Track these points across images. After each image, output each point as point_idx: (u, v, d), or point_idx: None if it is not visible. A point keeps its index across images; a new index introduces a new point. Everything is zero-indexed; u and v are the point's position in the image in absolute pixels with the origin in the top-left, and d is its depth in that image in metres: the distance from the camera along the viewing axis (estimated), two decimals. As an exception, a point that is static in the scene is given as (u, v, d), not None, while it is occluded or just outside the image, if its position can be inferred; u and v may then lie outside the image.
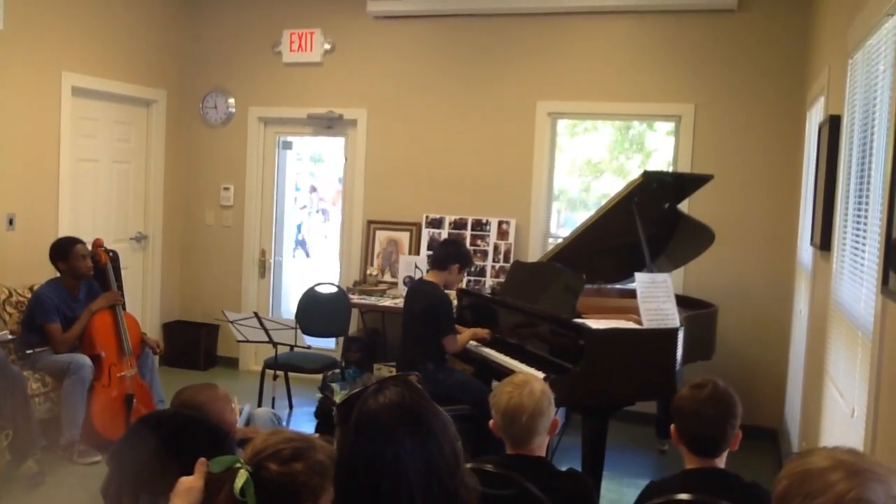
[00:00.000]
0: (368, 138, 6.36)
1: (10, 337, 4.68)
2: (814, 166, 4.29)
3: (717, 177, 4.82)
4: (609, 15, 5.73)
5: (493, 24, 6.00)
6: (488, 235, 5.99)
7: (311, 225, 13.27)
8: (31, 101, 5.35)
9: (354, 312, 5.99)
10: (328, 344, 6.28)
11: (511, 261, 5.67)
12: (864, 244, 2.90)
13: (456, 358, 4.75)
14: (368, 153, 6.37)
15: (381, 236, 6.33)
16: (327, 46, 6.41)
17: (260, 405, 5.24)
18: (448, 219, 6.10)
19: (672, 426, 2.25)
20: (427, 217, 6.15)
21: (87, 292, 4.92)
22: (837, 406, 3.20)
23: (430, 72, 6.18)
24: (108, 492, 2.22)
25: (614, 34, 5.74)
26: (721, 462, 2.21)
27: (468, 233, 6.03)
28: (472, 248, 5.91)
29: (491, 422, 2.42)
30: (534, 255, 5.76)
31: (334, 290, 5.84)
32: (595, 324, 3.99)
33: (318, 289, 5.84)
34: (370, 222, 6.37)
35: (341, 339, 6.03)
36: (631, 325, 4.11)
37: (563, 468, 2.47)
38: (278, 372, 5.26)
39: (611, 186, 6.51)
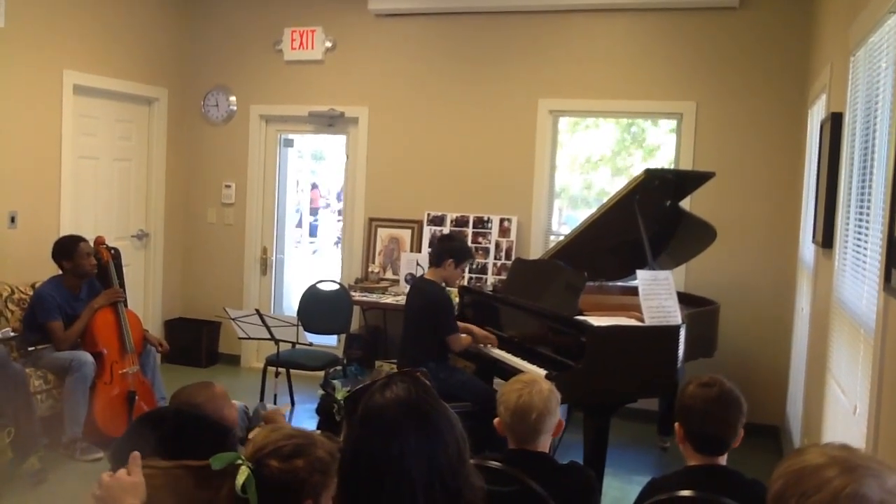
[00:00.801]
0: (370, 136, 6.36)
1: (11, 334, 4.68)
2: (815, 164, 4.29)
3: (719, 174, 4.81)
4: (611, 12, 5.72)
5: (494, 21, 5.99)
6: (490, 233, 5.99)
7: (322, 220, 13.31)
8: (32, 100, 5.35)
9: (356, 310, 5.99)
10: (330, 341, 6.28)
11: (512, 258, 5.67)
12: (866, 241, 2.90)
13: (457, 356, 4.75)
14: (370, 151, 6.37)
15: (383, 234, 6.33)
16: (328, 44, 6.41)
17: (262, 401, 5.24)
18: (449, 216, 6.10)
19: (677, 425, 2.25)
20: (429, 214, 6.14)
21: (88, 290, 4.92)
22: (839, 403, 3.20)
23: (431, 69, 6.18)
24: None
25: (616, 32, 5.74)
26: (723, 459, 2.21)
27: (470, 230, 6.03)
28: (473, 245, 5.91)
29: (496, 420, 2.43)
30: (535, 252, 5.76)
31: (336, 287, 5.84)
32: (597, 321, 3.99)
33: (319, 286, 5.85)
34: (372, 220, 6.37)
35: (343, 336, 6.03)
36: (633, 322, 4.11)
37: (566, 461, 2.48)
38: (280, 369, 5.26)
39: (612, 184, 6.51)
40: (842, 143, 3.60)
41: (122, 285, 5.12)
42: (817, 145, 4.26)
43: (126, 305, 5.02)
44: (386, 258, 6.31)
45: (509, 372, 4.10)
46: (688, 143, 5.60)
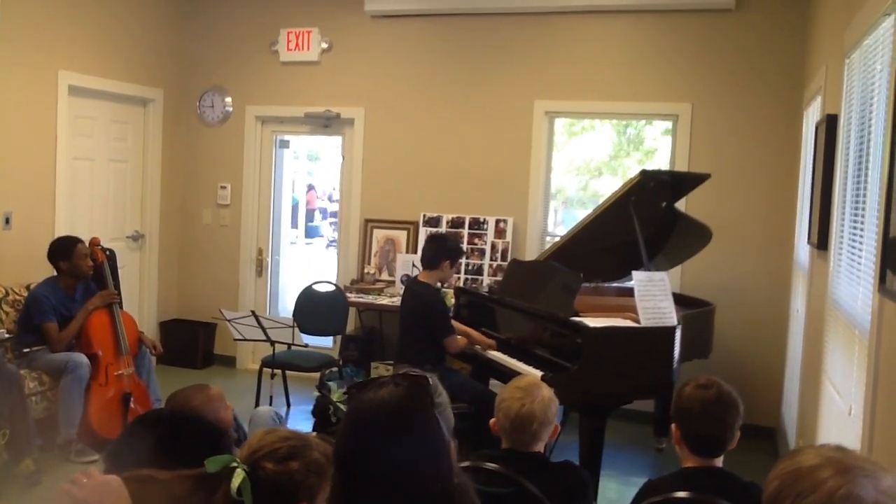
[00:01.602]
0: (366, 137, 6.36)
1: (6, 336, 4.67)
2: (811, 165, 4.30)
3: (715, 176, 4.82)
4: (606, 14, 5.73)
5: (490, 23, 6.00)
6: (486, 234, 5.99)
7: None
8: (27, 100, 5.34)
9: (352, 311, 5.98)
10: (325, 342, 6.28)
11: (508, 259, 5.67)
12: (861, 243, 2.90)
13: (453, 357, 4.75)
14: (366, 152, 6.37)
15: (379, 235, 6.33)
16: (324, 45, 6.41)
17: (257, 403, 5.24)
18: (445, 217, 6.10)
19: (673, 426, 2.25)
20: (424, 216, 6.14)
21: (83, 291, 4.91)
22: (835, 404, 3.21)
23: (427, 71, 6.18)
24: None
25: (612, 33, 5.75)
26: (719, 461, 2.21)
27: (465, 231, 6.03)
28: (469, 246, 5.92)
29: (492, 421, 2.43)
30: (531, 253, 5.77)
31: (332, 288, 5.84)
32: (593, 322, 3.99)
33: (315, 287, 5.84)
34: (367, 221, 6.36)
35: (339, 337, 6.03)
36: (628, 323, 4.12)
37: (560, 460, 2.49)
38: (276, 370, 5.26)
39: (608, 185, 6.52)
40: (837, 145, 3.61)
41: (117, 286, 5.11)
42: (812, 147, 4.27)
43: (121, 307, 5.01)
44: (382, 259, 6.31)
45: (505, 373, 4.10)
46: (683, 144, 5.60)
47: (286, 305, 6.86)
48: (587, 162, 6.57)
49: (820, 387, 3.53)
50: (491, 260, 5.96)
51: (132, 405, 4.71)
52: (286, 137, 6.85)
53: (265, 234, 6.81)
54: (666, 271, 4.55)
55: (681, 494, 2.09)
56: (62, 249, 4.82)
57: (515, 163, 5.96)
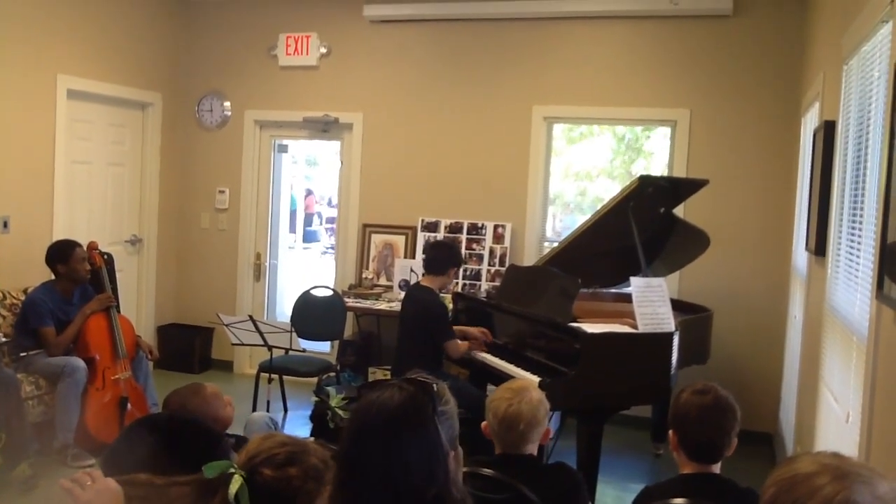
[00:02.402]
0: (364, 142, 6.37)
1: (3, 340, 4.66)
2: (809, 171, 4.30)
3: (713, 181, 4.83)
4: (605, 20, 5.74)
5: (489, 28, 6.01)
6: (484, 239, 6.00)
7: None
8: (26, 104, 5.34)
9: (350, 316, 5.98)
10: (323, 347, 6.26)
11: (506, 265, 5.67)
12: (858, 249, 2.91)
13: (451, 362, 4.75)
14: (364, 157, 6.37)
15: (377, 240, 6.33)
16: (323, 50, 6.41)
17: (255, 409, 5.23)
18: (443, 222, 6.10)
19: (671, 432, 2.24)
20: (423, 221, 6.15)
21: (81, 295, 4.90)
22: (832, 411, 3.21)
23: (425, 76, 6.19)
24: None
25: (610, 39, 5.76)
26: (717, 467, 2.21)
27: (464, 236, 6.03)
28: (467, 251, 5.93)
29: (483, 424, 2.42)
30: (529, 259, 5.77)
31: (329, 293, 5.83)
32: (590, 328, 3.99)
33: (313, 292, 5.84)
34: (366, 226, 6.36)
35: (336, 342, 6.02)
36: (626, 329, 4.11)
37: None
38: (273, 375, 5.25)
39: (606, 191, 6.53)
40: (835, 151, 3.62)
41: (114, 291, 5.10)
42: (810, 153, 4.28)
43: (119, 311, 5.01)
44: (380, 264, 6.31)
45: (503, 378, 4.09)
46: (682, 150, 5.61)
47: (284, 310, 6.85)
48: (587, 170, 6.58)
49: (817, 393, 3.53)
50: (489, 265, 5.96)
51: (129, 409, 4.70)
52: (285, 142, 6.86)
53: (263, 239, 6.80)
54: (664, 277, 4.55)
55: (678, 501, 2.09)
56: (60, 253, 4.81)
57: (514, 168, 5.96)
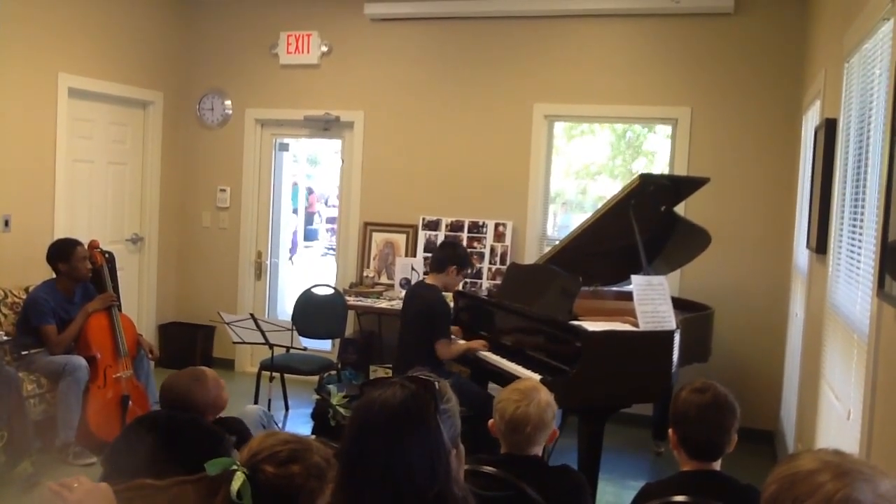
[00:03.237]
0: (365, 140, 6.37)
1: (4, 338, 4.66)
2: (810, 169, 4.30)
3: (714, 180, 4.82)
4: (606, 18, 5.73)
5: (489, 27, 6.00)
6: (485, 237, 6.00)
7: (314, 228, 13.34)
8: (27, 103, 5.34)
9: (351, 314, 5.98)
10: (324, 346, 6.27)
11: (507, 263, 5.67)
12: (860, 247, 2.91)
13: (453, 361, 4.75)
14: (365, 155, 6.38)
15: (378, 238, 6.33)
16: (324, 48, 6.41)
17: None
18: (444, 221, 6.10)
19: (671, 430, 2.25)
20: (423, 219, 6.15)
21: (82, 294, 4.91)
22: (833, 408, 3.21)
23: (426, 74, 6.19)
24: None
25: (611, 37, 5.75)
26: (717, 465, 2.21)
27: (465, 235, 6.03)
28: (468, 250, 5.91)
29: (491, 422, 2.42)
30: (530, 257, 5.77)
31: (331, 291, 5.84)
32: (591, 326, 4.00)
33: (314, 290, 5.84)
34: (367, 224, 6.37)
35: (337, 340, 6.02)
36: (627, 327, 4.12)
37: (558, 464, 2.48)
38: (274, 374, 5.25)
39: (607, 189, 6.52)
40: (836, 149, 3.62)
41: (116, 289, 5.11)
42: (812, 151, 4.27)
43: (120, 309, 5.01)
44: (381, 262, 6.31)
45: (504, 377, 4.10)
46: (682, 148, 5.61)
47: (285, 309, 6.86)
48: (586, 165, 6.57)
49: (818, 391, 3.53)
50: (490, 263, 5.96)
51: (131, 407, 4.71)
52: (286, 140, 6.86)
53: (264, 238, 6.81)
54: (665, 275, 4.55)
55: (679, 498, 2.09)
56: (61, 252, 4.82)
57: (515, 166, 5.96)
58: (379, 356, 6.00)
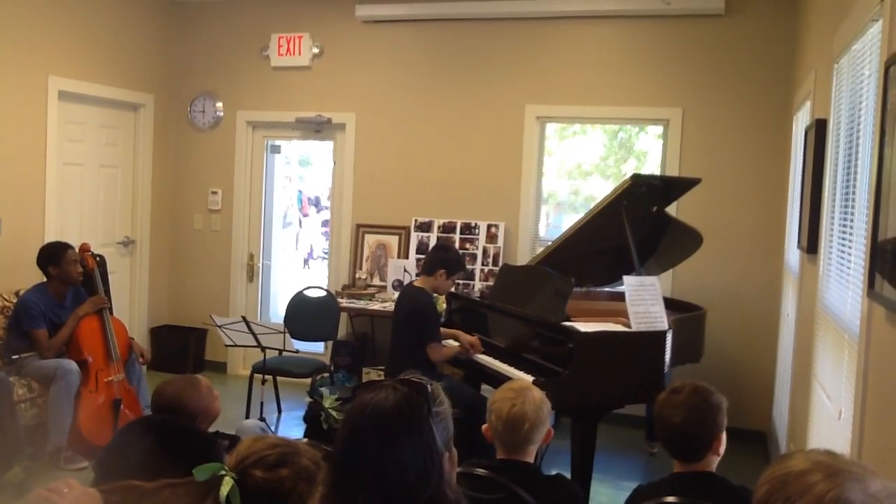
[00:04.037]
0: (357, 142, 6.36)
1: (-5, 343, 4.65)
2: (801, 170, 4.32)
3: (705, 180, 4.84)
4: (597, 20, 5.74)
5: (481, 28, 6.01)
6: (477, 239, 6.00)
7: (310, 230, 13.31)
8: (17, 105, 5.32)
9: (343, 316, 5.98)
10: (317, 348, 6.26)
11: (500, 264, 5.67)
12: (850, 247, 2.92)
13: (447, 363, 4.75)
14: (357, 157, 6.37)
15: (370, 240, 6.32)
16: (316, 50, 6.40)
17: (248, 409, 5.23)
18: (437, 222, 6.10)
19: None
20: (416, 221, 6.14)
21: (73, 298, 4.89)
22: (825, 408, 3.21)
23: (418, 76, 6.19)
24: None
25: (602, 39, 5.77)
26: (709, 466, 2.21)
27: (457, 236, 6.03)
28: (461, 251, 5.91)
29: (485, 426, 2.42)
30: (523, 258, 5.77)
31: (323, 294, 5.83)
32: (584, 327, 4.00)
33: (306, 293, 5.83)
34: (359, 226, 6.36)
35: (330, 343, 6.02)
36: (620, 328, 4.12)
37: (552, 472, 2.47)
38: (267, 376, 5.24)
39: (599, 190, 6.53)
40: (826, 149, 3.63)
41: (107, 293, 5.08)
42: (802, 151, 4.29)
43: (111, 313, 4.99)
44: (373, 264, 6.30)
45: (497, 378, 4.11)
46: (674, 149, 5.62)
47: (277, 311, 6.84)
48: (578, 166, 6.58)
49: (810, 391, 3.54)
50: (482, 265, 5.96)
51: (122, 411, 4.69)
52: (277, 142, 6.85)
53: (256, 240, 6.79)
54: (657, 276, 4.56)
55: (670, 499, 2.09)
56: (52, 255, 4.79)
57: (507, 167, 5.97)
58: (372, 358, 5.99)
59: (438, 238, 6.01)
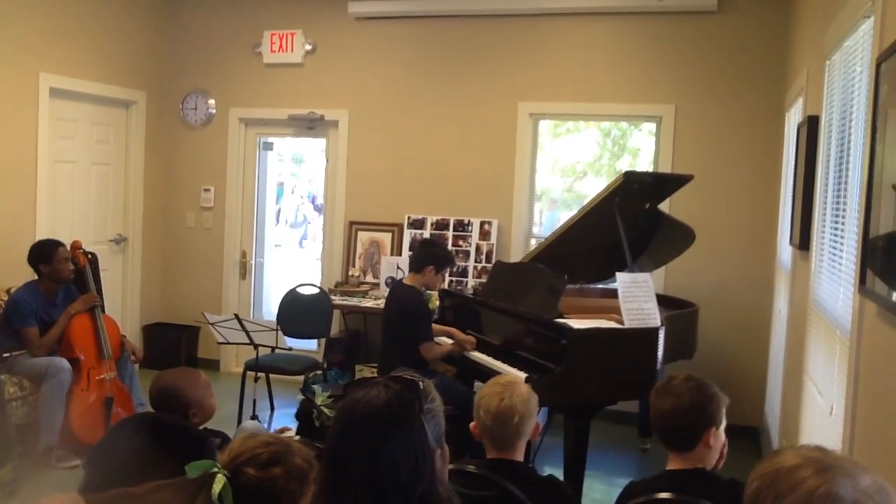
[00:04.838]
0: (350, 139, 6.35)
1: (-15, 341, 4.62)
2: (793, 166, 4.33)
3: (698, 177, 4.84)
4: (590, 16, 5.74)
5: (474, 25, 6.00)
6: (470, 236, 5.99)
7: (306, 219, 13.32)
8: (8, 103, 5.30)
9: (336, 314, 5.97)
10: (310, 345, 6.25)
11: (493, 261, 5.67)
12: (842, 244, 2.92)
13: (439, 360, 4.74)
14: (350, 154, 6.36)
15: (363, 237, 6.31)
16: (308, 47, 6.39)
17: (241, 406, 5.22)
18: (430, 219, 6.09)
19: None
20: (409, 218, 6.14)
21: (65, 296, 4.86)
22: (816, 404, 3.23)
23: (411, 73, 6.18)
24: (86, 496, 2.19)
25: (595, 35, 5.77)
26: (702, 460, 2.20)
27: (450, 233, 6.02)
28: (454, 248, 5.92)
29: (472, 424, 2.41)
30: (516, 255, 5.77)
31: (316, 291, 5.82)
32: (577, 324, 4.00)
33: (299, 290, 5.82)
34: (352, 223, 6.35)
35: (323, 340, 6.01)
36: (612, 324, 4.12)
37: (545, 471, 2.47)
38: (259, 374, 5.23)
39: (592, 187, 6.54)
40: (818, 146, 3.64)
41: (99, 290, 5.06)
42: (794, 148, 4.30)
43: (103, 311, 4.97)
44: (366, 261, 6.29)
45: (490, 375, 4.09)
46: (667, 146, 5.63)
47: (270, 309, 6.83)
48: (573, 164, 6.59)
49: (802, 387, 3.55)
50: (476, 262, 5.96)
51: (115, 409, 4.67)
52: (270, 140, 6.83)
53: (249, 237, 6.78)
54: (650, 272, 4.56)
55: (662, 495, 2.09)
56: (43, 253, 4.77)
57: (500, 164, 5.97)
58: (365, 356, 5.99)
59: (431, 235, 6.00)
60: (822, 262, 3.37)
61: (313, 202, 13.70)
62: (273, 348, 5.15)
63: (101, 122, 6.25)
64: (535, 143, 6.06)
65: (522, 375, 3.85)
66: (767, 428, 4.98)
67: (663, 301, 4.55)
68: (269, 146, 6.85)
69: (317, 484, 1.52)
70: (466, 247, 5.99)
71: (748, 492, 1.27)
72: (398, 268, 5.94)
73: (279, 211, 13.26)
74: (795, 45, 4.91)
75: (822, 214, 3.48)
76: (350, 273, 6.26)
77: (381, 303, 5.48)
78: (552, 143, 6.41)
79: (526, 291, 4.41)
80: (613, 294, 4.35)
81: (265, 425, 5.28)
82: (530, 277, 4.47)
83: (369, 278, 6.26)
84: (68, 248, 4.88)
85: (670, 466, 2.22)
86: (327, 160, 6.58)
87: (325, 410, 4.09)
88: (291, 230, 12.79)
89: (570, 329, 3.90)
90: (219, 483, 1.44)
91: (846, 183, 2.94)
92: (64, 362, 4.58)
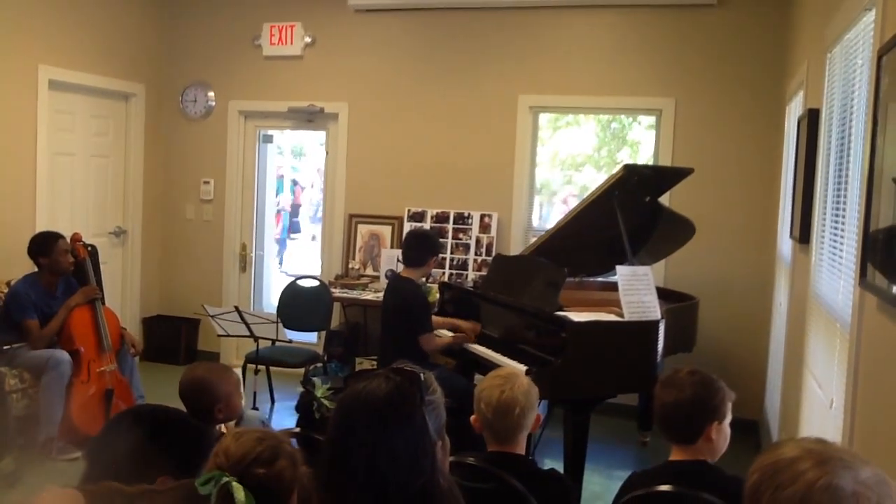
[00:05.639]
0: (350, 132, 6.34)
1: (-15, 333, 4.63)
2: (793, 159, 4.32)
3: (698, 170, 4.83)
4: (590, 9, 5.73)
5: (474, 17, 5.98)
6: (470, 229, 5.99)
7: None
8: (7, 95, 5.28)
9: (336, 306, 5.97)
10: (310, 338, 6.25)
11: (493, 254, 5.66)
12: (842, 237, 2.92)
13: (439, 353, 4.75)
14: (350, 147, 6.35)
15: (363, 230, 6.31)
16: (308, 40, 6.37)
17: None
18: (430, 212, 6.09)
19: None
20: (409, 211, 6.13)
21: (64, 288, 4.86)
22: (816, 397, 3.23)
23: (411, 65, 6.16)
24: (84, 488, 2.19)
25: (596, 28, 5.75)
26: (703, 454, 2.20)
27: (450, 226, 6.02)
28: (453, 241, 5.93)
29: (473, 417, 2.41)
30: (516, 248, 5.77)
31: (316, 283, 5.82)
32: (577, 317, 4.00)
33: (299, 283, 5.82)
34: (352, 216, 6.34)
35: (323, 333, 6.01)
36: (612, 317, 4.12)
37: (545, 464, 2.47)
38: (260, 367, 5.23)
39: (592, 180, 6.54)
40: (819, 139, 3.63)
41: (98, 283, 5.06)
42: (795, 141, 4.29)
43: (103, 303, 4.97)
44: (366, 254, 6.29)
45: (489, 368, 4.09)
46: (667, 139, 5.62)
47: (270, 301, 6.83)
48: (573, 157, 6.58)
49: (802, 380, 3.55)
50: (475, 255, 5.96)
51: (115, 402, 4.68)
52: (269, 132, 6.82)
53: (249, 230, 6.77)
54: (650, 265, 4.56)
55: (663, 487, 2.10)
56: (42, 245, 4.77)
57: (500, 158, 5.96)
58: (365, 348, 5.99)
59: (431, 228, 5.99)
60: (822, 256, 3.36)
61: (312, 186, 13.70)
62: (273, 341, 5.16)
63: (101, 114, 6.24)
64: (535, 136, 6.05)
65: (522, 368, 3.85)
66: (767, 421, 4.99)
67: (663, 294, 4.55)
68: (268, 139, 6.84)
69: (317, 476, 1.53)
70: (466, 240, 5.99)
71: (748, 484, 1.27)
72: (398, 260, 5.90)
73: (299, 206, 13.29)
74: (796, 38, 4.89)
75: (822, 207, 3.47)
76: (350, 266, 6.26)
77: (381, 295, 5.48)
78: (552, 137, 6.41)
79: (526, 284, 4.41)
80: (613, 287, 4.35)
81: (266, 415, 5.29)
82: (530, 270, 4.47)
83: (369, 271, 6.26)
84: (68, 240, 4.88)
85: (673, 457, 2.22)
86: (327, 153, 6.57)
87: (326, 402, 4.09)
88: (312, 224, 12.74)
89: (570, 322, 3.90)
90: (239, 491, 1.44)
91: (847, 176, 2.94)
92: (64, 354, 4.58)
